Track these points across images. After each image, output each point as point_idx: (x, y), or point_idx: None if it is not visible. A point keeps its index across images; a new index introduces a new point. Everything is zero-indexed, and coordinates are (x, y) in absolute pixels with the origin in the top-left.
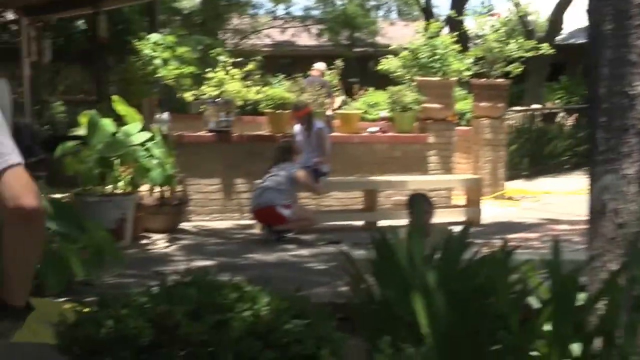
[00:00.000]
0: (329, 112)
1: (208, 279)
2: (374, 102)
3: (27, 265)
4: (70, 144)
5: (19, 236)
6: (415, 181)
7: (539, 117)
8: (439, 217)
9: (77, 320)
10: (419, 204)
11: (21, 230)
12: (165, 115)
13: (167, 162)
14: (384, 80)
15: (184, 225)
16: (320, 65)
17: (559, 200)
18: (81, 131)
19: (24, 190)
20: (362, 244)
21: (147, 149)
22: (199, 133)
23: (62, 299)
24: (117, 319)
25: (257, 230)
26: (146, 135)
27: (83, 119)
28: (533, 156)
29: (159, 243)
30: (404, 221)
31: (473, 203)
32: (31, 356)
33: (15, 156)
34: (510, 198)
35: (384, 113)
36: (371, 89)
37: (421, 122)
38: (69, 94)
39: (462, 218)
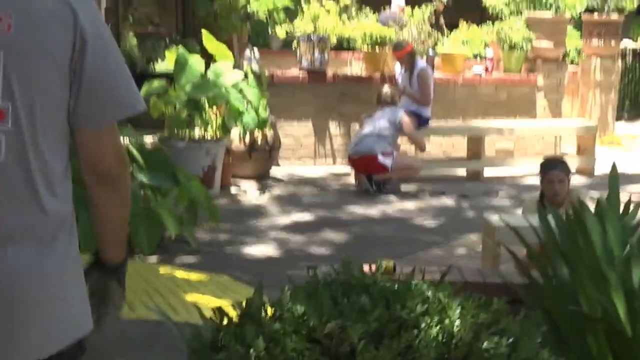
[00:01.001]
0: (430, 51)
1: (379, 276)
2: (467, 39)
3: (119, 222)
4: (157, 83)
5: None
6: (526, 127)
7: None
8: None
9: (215, 337)
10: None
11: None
12: (256, 52)
13: (261, 104)
14: (467, 15)
15: (273, 171)
16: (400, 1)
17: None
18: (162, 68)
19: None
20: (469, 196)
21: (239, 90)
22: (289, 72)
23: (154, 259)
24: (269, 336)
25: (352, 180)
26: (238, 74)
27: (169, 55)
28: (635, 97)
29: (250, 192)
30: (507, 170)
31: (586, 151)
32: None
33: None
34: (618, 143)
35: (490, 51)
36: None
37: (529, 61)
38: (139, 25)
39: (573, 167)
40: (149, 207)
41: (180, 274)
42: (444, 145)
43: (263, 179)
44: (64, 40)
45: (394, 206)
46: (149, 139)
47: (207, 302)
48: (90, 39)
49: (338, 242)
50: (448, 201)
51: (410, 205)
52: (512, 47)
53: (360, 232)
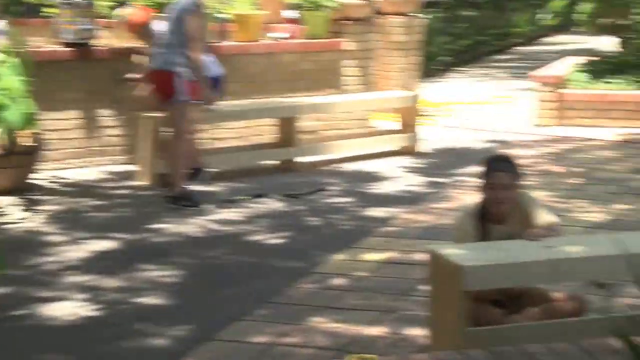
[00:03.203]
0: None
1: None
2: None
3: None
4: None
5: None
6: (347, 102)
7: None
8: (362, 147)
9: None
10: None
11: None
12: (2, 24)
13: (25, 95)
14: None
15: (34, 178)
16: None
17: (471, 112)
18: None
19: None
20: (295, 196)
21: None
22: (46, 47)
23: None
24: None
25: (142, 182)
26: None
27: None
28: None
29: (12, 211)
30: (320, 155)
31: (408, 127)
32: None
33: None
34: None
35: (292, 12)
36: None
37: (336, 23)
38: None
39: (391, 146)
40: None
41: None
42: (237, 130)
43: (24, 190)
44: None
45: (213, 217)
46: None
47: None
48: None
49: (168, 283)
50: (275, 205)
51: (232, 215)
52: (316, 6)
53: (189, 262)
